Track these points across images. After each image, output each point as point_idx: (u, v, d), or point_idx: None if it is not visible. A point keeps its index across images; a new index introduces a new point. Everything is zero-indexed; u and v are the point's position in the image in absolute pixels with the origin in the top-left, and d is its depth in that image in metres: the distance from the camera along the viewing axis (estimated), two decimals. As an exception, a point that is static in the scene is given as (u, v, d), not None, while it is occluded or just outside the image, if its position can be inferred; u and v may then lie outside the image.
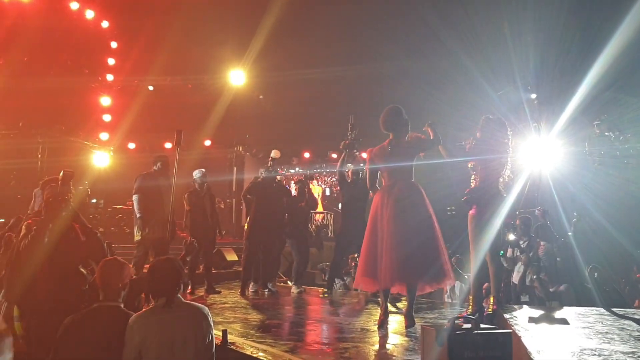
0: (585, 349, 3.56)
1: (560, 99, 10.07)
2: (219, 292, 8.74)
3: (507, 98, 11.58)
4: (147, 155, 14.99)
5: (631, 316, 5.29)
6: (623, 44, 8.48)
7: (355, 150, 8.95)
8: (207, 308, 3.76)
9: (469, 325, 3.56)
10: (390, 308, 6.49)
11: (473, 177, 5.72)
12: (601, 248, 8.85)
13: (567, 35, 10.06)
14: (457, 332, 3.48)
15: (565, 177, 9.95)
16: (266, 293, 8.64)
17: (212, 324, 3.72)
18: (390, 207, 5.48)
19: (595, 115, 9.17)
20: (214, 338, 3.74)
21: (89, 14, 15.38)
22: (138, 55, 15.32)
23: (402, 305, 7.04)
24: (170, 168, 9.05)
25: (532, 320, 4.91)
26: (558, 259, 7.75)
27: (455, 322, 3.61)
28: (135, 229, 8.26)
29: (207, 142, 16.55)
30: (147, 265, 8.95)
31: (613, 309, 5.77)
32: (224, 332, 4.98)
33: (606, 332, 4.21)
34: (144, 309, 3.71)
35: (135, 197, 8.37)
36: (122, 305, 3.82)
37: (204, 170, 9.33)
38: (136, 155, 16.14)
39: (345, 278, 10.21)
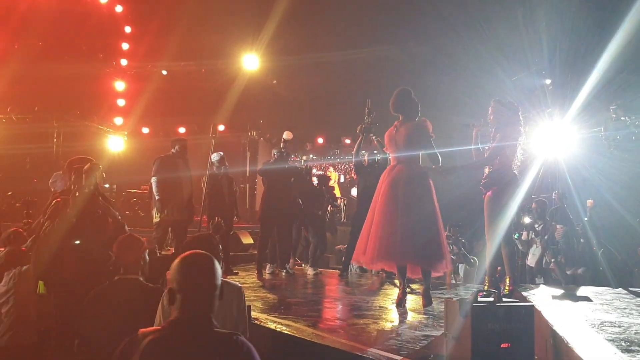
0: (605, 322, 3.65)
1: (574, 84, 10.06)
2: (237, 274, 8.86)
3: (521, 84, 11.57)
4: (161, 139, 15.14)
5: (626, 296, 5.37)
6: (635, 27, 8.47)
7: (372, 135, 9.02)
8: (240, 286, 3.87)
9: (491, 299, 3.65)
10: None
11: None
12: (615, 232, 8.92)
13: (580, 20, 10.04)
14: (480, 305, 3.56)
15: (580, 162, 9.99)
16: (283, 274, 8.74)
17: (245, 300, 3.84)
18: (384, 188, 5.58)
19: (611, 99, 9.18)
20: (246, 312, 3.86)
21: (103, -1, 15.46)
22: (152, 39, 15.38)
23: (415, 286, 7.14)
24: (187, 151, 9.22)
25: (550, 297, 5.01)
26: (581, 240, 7.80)
27: (478, 295, 3.71)
28: (154, 211, 8.40)
29: (221, 127, 16.65)
30: (169, 249, 9.22)
31: (629, 289, 5.85)
32: (248, 308, 5.10)
33: (624, 308, 4.29)
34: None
35: (153, 180, 8.50)
36: (141, 278, 3.97)
37: (222, 153, 9.42)
38: (150, 140, 16.27)
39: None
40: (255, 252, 10.81)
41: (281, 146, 9.06)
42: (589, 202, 8.93)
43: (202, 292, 2.34)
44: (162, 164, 8.63)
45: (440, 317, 5.23)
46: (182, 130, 16.39)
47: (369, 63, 14.27)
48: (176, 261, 2.40)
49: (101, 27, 15.61)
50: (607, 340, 3.12)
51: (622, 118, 8.69)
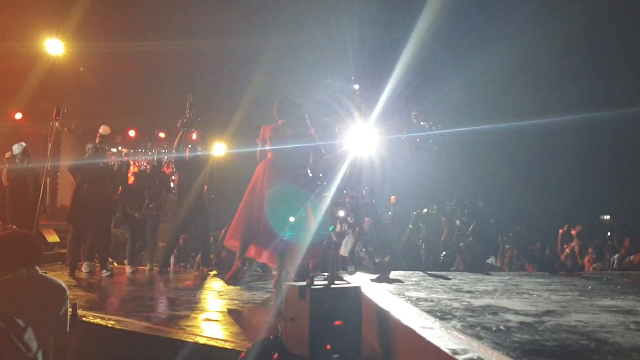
0: (419, 298, 4.21)
1: (375, 91, 11.07)
2: (45, 273, 8.24)
3: (333, 87, 12.39)
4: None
5: (446, 276, 6.23)
6: (420, 41, 9.63)
7: (193, 129, 9.02)
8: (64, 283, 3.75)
9: (325, 282, 4.00)
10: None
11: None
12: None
13: (379, 30, 11.09)
14: (317, 287, 3.88)
15: (384, 161, 11.03)
16: (104, 273, 8.31)
17: (67, 299, 3.73)
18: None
19: (413, 106, 10.34)
20: (68, 313, 3.76)
21: None
22: None
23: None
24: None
25: (367, 281, 5.56)
26: (383, 233, 8.66)
27: (314, 279, 4.05)
28: None
29: (18, 115, 15.16)
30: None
31: (426, 272, 6.73)
32: (74, 306, 4.88)
33: (431, 287, 4.96)
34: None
35: None
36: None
37: (24, 144, 8.75)
38: None
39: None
40: (64, 250, 10.22)
41: (97, 141, 8.57)
42: (393, 198, 9.98)
43: None
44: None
45: (257, 303, 5.60)
46: (-26, 117, 14.66)
47: (184, 55, 14.05)
48: None
49: None
50: (425, 311, 3.62)
51: (422, 123, 9.85)
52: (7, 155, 9.80)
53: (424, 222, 9.81)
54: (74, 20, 12.91)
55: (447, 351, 2.58)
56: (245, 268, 6.51)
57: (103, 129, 8.94)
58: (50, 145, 15.49)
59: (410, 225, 9.69)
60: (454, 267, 9.16)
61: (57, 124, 7.96)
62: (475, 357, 2.45)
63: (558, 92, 11.24)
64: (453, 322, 3.23)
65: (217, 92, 12.92)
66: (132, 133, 17.56)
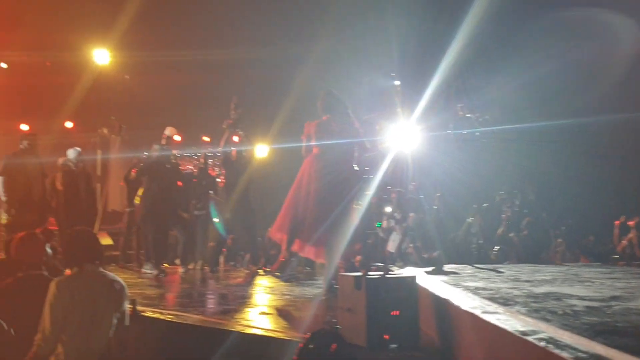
0: (478, 288, 4.14)
1: (420, 86, 10.96)
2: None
3: (374, 84, 12.35)
4: (1, 138, 13.93)
5: (497, 270, 6.11)
6: (470, 34, 9.50)
7: (238, 130, 9.12)
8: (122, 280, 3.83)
9: (381, 272, 3.98)
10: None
11: None
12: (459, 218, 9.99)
13: (425, 25, 11.00)
14: (373, 277, 3.86)
15: (429, 157, 10.91)
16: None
17: (127, 296, 3.80)
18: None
19: (456, 100, 10.21)
20: (127, 308, 3.83)
21: None
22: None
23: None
24: (39, 147, 8.68)
25: (420, 274, 5.50)
26: (430, 228, 8.55)
27: (369, 270, 4.03)
28: (9, 211, 7.87)
29: (69, 124, 15.62)
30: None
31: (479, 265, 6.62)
32: (133, 302, 5.00)
33: (487, 278, 4.88)
34: (67, 274, 3.68)
35: None
36: (45, 273, 3.90)
37: (79, 149, 8.97)
38: (-12, 138, 14.80)
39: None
40: (117, 253, 10.47)
41: (163, 142, 8.63)
42: (437, 194, 9.86)
43: None
44: (8, 161, 8.12)
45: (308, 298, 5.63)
46: (24, 127, 15.12)
47: (228, 63, 14.23)
48: None
49: None
50: (485, 298, 3.56)
51: (468, 115, 9.72)
52: (60, 161, 10.11)
53: (481, 215, 9.67)
54: (120, 30, 13.22)
55: (515, 333, 2.53)
56: (292, 259, 6.51)
57: (169, 130, 9.02)
58: (99, 153, 15.98)
59: (469, 220, 9.58)
60: (508, 262, 8.98)
61: (118, 139, 8.10)
62: (546, 337, 2.38)
63: (612, 89, 10.92)
64: (517, 307, 3.16)
65: (261, 93, 13.04)
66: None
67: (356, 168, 6.38)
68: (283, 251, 6.19)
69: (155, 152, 8.53)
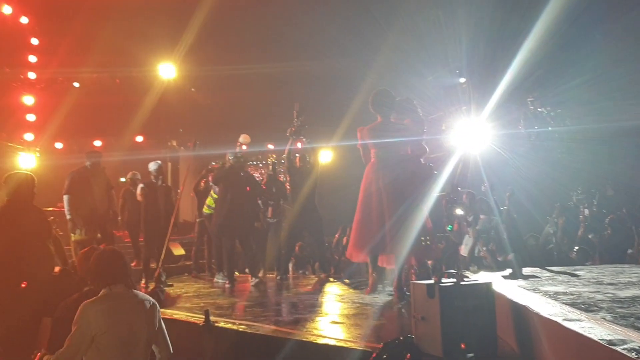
0: (557, 292, 3.95)
1: (490, 83, 10.66)
2: (171, 285, 8.61)
3: (439, 81, 12.14)
4: (76, 155, 14.47)
5: (577, 272, 5.81)
6: (546, 29, 9.15)
7: (302, 137, 9.13)
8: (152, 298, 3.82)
9: (454, 279, 3.85)
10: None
11: None
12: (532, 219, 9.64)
13: (496, 22, 10.68)
14: (446, 285, 3.74)
15: (499, 157, 10.58)
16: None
17: (159, 312, 3.78)
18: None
19: (528, 94, 9.84)
20: (163, 325, 3.79)
21: (7, 10, 14.60)
22: (62, 51, 14.68)
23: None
24: (102, 164, 8.91)
25: (496, 278, 5.30)
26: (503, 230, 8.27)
27: (442, 277, 3.91)
28: (73, 229, 8.13)
29: (139, 139, 16.16)
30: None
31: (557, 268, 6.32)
32: (206, 312, 5.08)
33: (567, 282, 4.65)
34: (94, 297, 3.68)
35: (65, 197, 8.23)
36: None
37: (159, 162, 9.16)
38: (64, 156, 15.45)
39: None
40: (190, 262, 10.71)
41: (237, 150, 8.68)
42: (507, 193, 9.53)
43: None
44: (73, 179, 8.30)
45: (379, 306, 5.51)
46: (97, 143, 15.74)
47: (293, 74, 14.33)
48: None
49: (5, 40, 14.71)
50: (566, 304, 3.38)
51: (539, 109, 9.36)
52: (129, 175, 10.42)
53: (562, 215, 9.30)
54: (186, 45, 13.55)
55: (601, 342, 2.37)
56: (382, 277, 6.42)
57: (243, 138, 9.06)
58: (170, 165, 16.45)
59: (555, 219, 9.24)
60: (590, 262, 8.56)
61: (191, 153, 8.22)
62: (637, 347, 2.22)
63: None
64: (601, 314, 2.98)
65: (326, 99, 13.05)
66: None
67: (422, 162, 6.26)
68: (370, 273, 6.12)
69: (229, 160, 8.54)
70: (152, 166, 8.88)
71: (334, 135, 11.98)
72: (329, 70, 13.40)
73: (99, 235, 8.33)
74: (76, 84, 15.43)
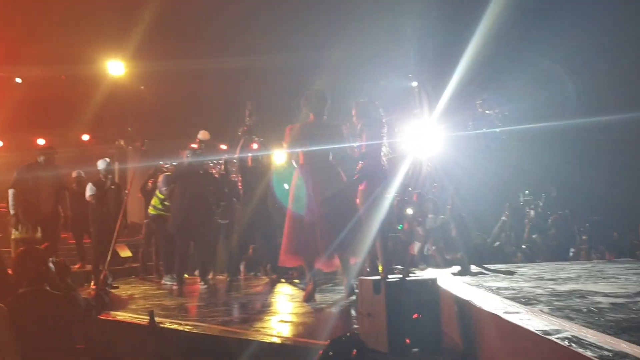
0: (500, 287, 4.04)
1: (439, 87, 10.86)
2: (117, 287, 8.36)
3: (390, 86, 12.28)
4: (17, 153, 13.99)
5: (520, 269, 5.98)
6: (490, 30, 9.38)
7: (254, 136, 9.03)
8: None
9: (400, 275, 3.90)
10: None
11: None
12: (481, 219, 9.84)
13: (442, 25, 10.89)
14: (392, 280, 3.78)
15: (448, 158, 10.79)
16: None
17: None
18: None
19: (478, 96, 10.09)
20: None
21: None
22: (3, 46, 14.15)
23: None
24: (56, 160, 8.63)
25: (442, 275, 5.40)
26: (452, 229, 8.42)
27: (388, 273, 3.95)
28: (16, 225, 7.84)
29: (85, 137, 15.75)
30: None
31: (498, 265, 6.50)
32: (151, 313, 4.97)
33: (511, 278, 4.77)
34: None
35: (10, 192, 7.93)
36: (47, 288, 3.82)
37: (108, 159, 8.94)
38: (5, 154, 14.95)
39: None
40: (137, 264, 10.48)
41: (196, 147, 8.47)
42: (452, 191, 9.72)
43: None
44: (21, 174, 8.01)
45: (328, 304, 5.55)
46: (41, 142, 15.25)
47: (244, 71, 14.20)
48: None
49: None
50: (507, 298, 3.46)
51: (487, 112, 9.61)
52: (74, 174, 10.11)
53: (509, 215, 9.55)
54: (134, 41, 13.26)
55: (538, 333, 2.43)
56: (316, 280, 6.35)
57: (202, 134, 8.86)
58: (117, 164, 16.07)
59: (503, 218, 9.47)
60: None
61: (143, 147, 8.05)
62: (570, 336, 2.29)
63: (635, 87, 10.73)
64: (539, 307, 3.06)
65: (278, 99, 12.99)
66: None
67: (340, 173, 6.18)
68: (308, 281, 6.03)
69: (187, 158, 8.30)
70: (101, 164, 8.66)
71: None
72: (281, 68, 13.35)
73: (39, 234, 8.05)
74: (18, 80, 14.89)
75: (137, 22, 12.63)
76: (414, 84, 11.90)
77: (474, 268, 6.08)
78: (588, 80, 10.76)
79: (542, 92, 10.56)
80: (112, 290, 7.91)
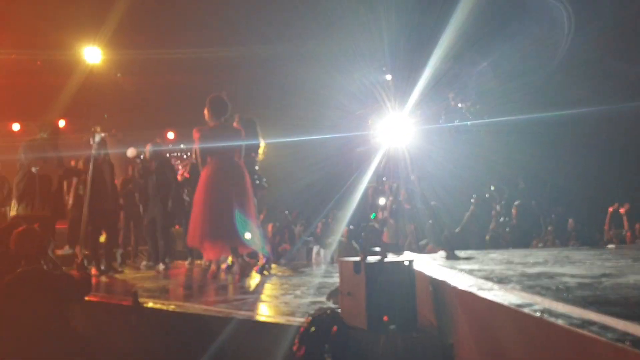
0: (472, 269, 4.26)
1: (411, 79, 11.04)
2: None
3: (365, 79, 12.41)
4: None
5: (490, 255, 6.21)
6: (460, 23, 9.61)
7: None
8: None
9: (379, 257, 4.09)
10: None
11: None
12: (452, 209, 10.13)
13: (414, 18, 11.09)
14: (372, 262, 3.97)
15: (421, 151, 11.00)
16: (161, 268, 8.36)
17: None
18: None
19: (449, 89, 10.33)
20: None
21: None
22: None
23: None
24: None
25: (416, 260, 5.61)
26: (429, 221, 8.67)
27: (367, 255, 4.14)
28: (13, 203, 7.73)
29: (62, 123, 15.59)
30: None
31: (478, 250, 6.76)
32: (135, 294, 5.09)
33: (482, 261, 4.99)
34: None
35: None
36: (45, 267, 3.92)
37: (103, 134, 8.84)
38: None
39: None
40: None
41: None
42: (412, 177, 9.97)
43: None
44: (29, 149, 7.63)
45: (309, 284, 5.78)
46: (16, 127, 15.09)
47: (219, 62, 14.24)
48: None
49: None
50: (481, 278, 3.67)
51: (459, 105, 9.87)
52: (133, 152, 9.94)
53: (476, 205, 9.85)
54: (111, 29, 13.20)
55: (511, 306, 2.64)
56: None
57: (130, 152, 8.96)
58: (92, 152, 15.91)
59: (472, 207, 9.77)
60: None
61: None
62: (542, 308, 2.50)
63: (599, 82, 11.10)
64: (512, 285, 3.28)
65: (253, 91, 13.09)
66: (170, 135, 17.85)
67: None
68: (237, 261, 6.43)
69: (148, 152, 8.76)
70: (96, 137, 8.44)
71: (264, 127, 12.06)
72: (256, 59, 13.45)
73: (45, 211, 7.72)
74: (-7, 64, 14.66)
75: (114, 9, 12.59)
76: (388, 77, 12.06)
77: (444, 254, 6.33)
78: (556, 74, 11.08)
79: (512, 85, 10.87)
80: (95, 273, 7.84)
